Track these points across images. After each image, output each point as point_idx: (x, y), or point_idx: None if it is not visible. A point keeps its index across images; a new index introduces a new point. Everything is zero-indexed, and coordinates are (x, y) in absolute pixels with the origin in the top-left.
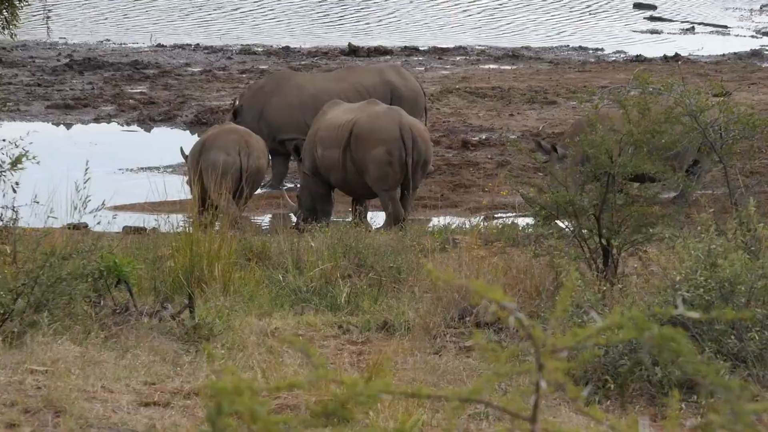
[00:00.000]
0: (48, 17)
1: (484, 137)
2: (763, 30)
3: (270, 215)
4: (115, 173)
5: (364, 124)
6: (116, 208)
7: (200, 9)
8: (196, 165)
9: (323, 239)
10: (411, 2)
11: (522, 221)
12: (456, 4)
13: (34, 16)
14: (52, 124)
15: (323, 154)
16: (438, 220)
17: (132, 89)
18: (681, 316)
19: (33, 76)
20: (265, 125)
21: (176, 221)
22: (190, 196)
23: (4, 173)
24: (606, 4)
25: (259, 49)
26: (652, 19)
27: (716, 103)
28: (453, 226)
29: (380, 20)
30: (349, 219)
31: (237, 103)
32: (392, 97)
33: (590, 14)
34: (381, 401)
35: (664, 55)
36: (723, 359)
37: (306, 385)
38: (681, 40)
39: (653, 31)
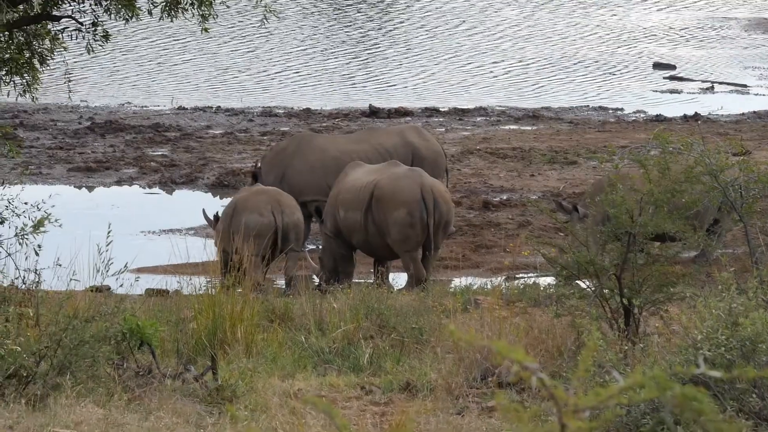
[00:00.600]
0: (69, 80)
1: (505, 198)
2: None
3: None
4: (137, 236)
5: (385, 185)
6: (139, 270)
7: (221, 72)
8: (227, 228)
9: (345, 300)
10: (431, 64)
11: (543, 281)
12: (477, 66)
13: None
14: (74, 187)
15: (345, 216)
16: (460, 281)
17: (153, 152)
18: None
19: (54, 139)
20: (286, 187)
21: (198, 283)
22: (212, 258)
23: (26, 236)
24: (626, 64)
25: (280, 111)
26: (671, 78)
27: (736, 162)
28: (475, 287)
29: (400, 82)
30: (371, 280)
31: (258, 165)
32: (413, 158)
33: (610, 74)
34: None
35: (684, 114)
36: (745, 418)
37: None
38: (701, 99)
39: (673, 91)
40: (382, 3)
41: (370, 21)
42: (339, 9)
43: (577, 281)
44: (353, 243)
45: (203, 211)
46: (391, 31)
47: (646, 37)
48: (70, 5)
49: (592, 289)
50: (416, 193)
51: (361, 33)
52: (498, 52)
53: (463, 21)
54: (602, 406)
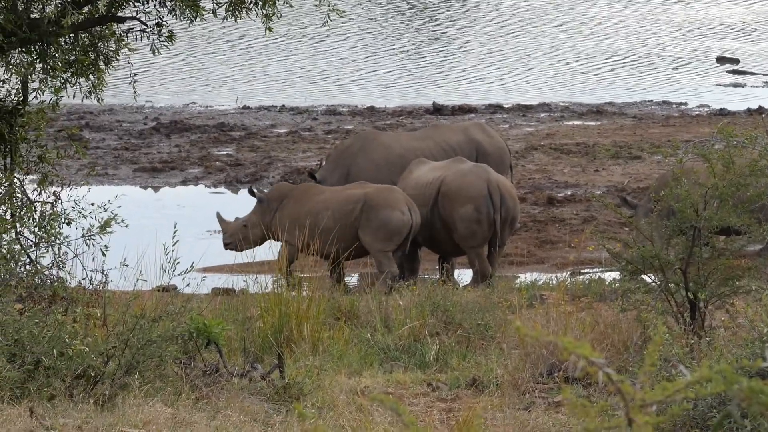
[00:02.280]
0: (134, 81)
1: (569, 193)
2: None
3: (358, 274)
4: (203, 235)
5: (451, 181)
6: (205, 269)
7: (285, 71)
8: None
9: (411, 297)
10: (494, 60)
11: (608, 276)
12: (540, 62)
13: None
14: (140, 187)
15: None
16: (525, 277)
17: (219, 151)
18: None
19: (120, 139)
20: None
21: (264, 282)
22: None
23: (93, 237)
24: (689, 58)
25: (344, 110)
26: (735, 72)
27: None
28: (540, 282)
29: (464, 79)
30: (437, 276)
31: (321, 163)
32: (477, 154)
33: (673, 69)
34: None
35: (748, 108)
36: None
37: None
38: (764, 92)
39: (736, 85)
40: (447, 1)
41: (434, 18)
42: (403, 6)
43: (642, 276)
44: (418, 239)
45: (217, 213)
46: (454, 28)
47: (709, 31)
48: (135, 6)
49: (658, 283)
50: (483, 189)
51: (424, 30)
52: (561, 48)
53: (526, 17)
54: (669, 401)
